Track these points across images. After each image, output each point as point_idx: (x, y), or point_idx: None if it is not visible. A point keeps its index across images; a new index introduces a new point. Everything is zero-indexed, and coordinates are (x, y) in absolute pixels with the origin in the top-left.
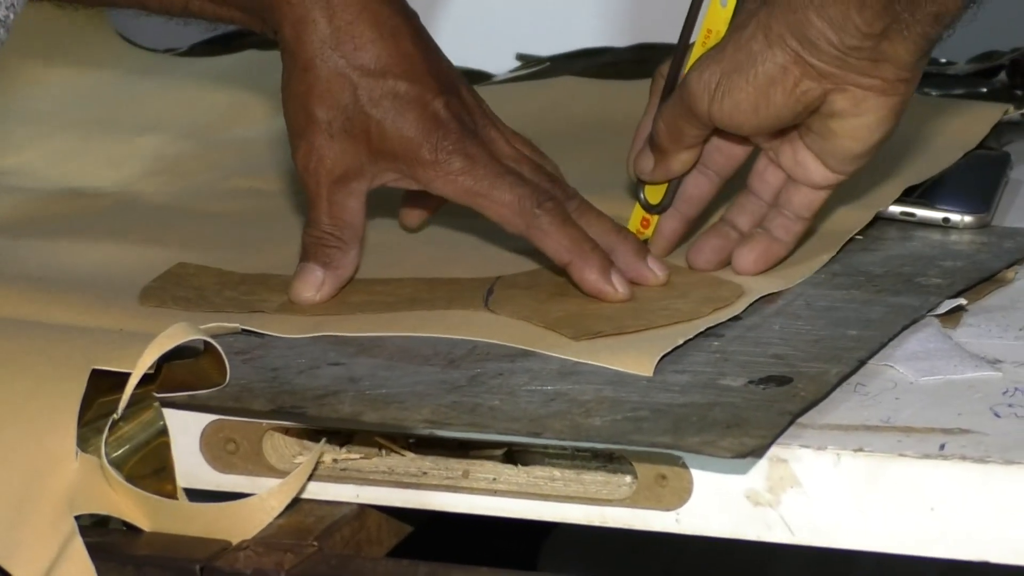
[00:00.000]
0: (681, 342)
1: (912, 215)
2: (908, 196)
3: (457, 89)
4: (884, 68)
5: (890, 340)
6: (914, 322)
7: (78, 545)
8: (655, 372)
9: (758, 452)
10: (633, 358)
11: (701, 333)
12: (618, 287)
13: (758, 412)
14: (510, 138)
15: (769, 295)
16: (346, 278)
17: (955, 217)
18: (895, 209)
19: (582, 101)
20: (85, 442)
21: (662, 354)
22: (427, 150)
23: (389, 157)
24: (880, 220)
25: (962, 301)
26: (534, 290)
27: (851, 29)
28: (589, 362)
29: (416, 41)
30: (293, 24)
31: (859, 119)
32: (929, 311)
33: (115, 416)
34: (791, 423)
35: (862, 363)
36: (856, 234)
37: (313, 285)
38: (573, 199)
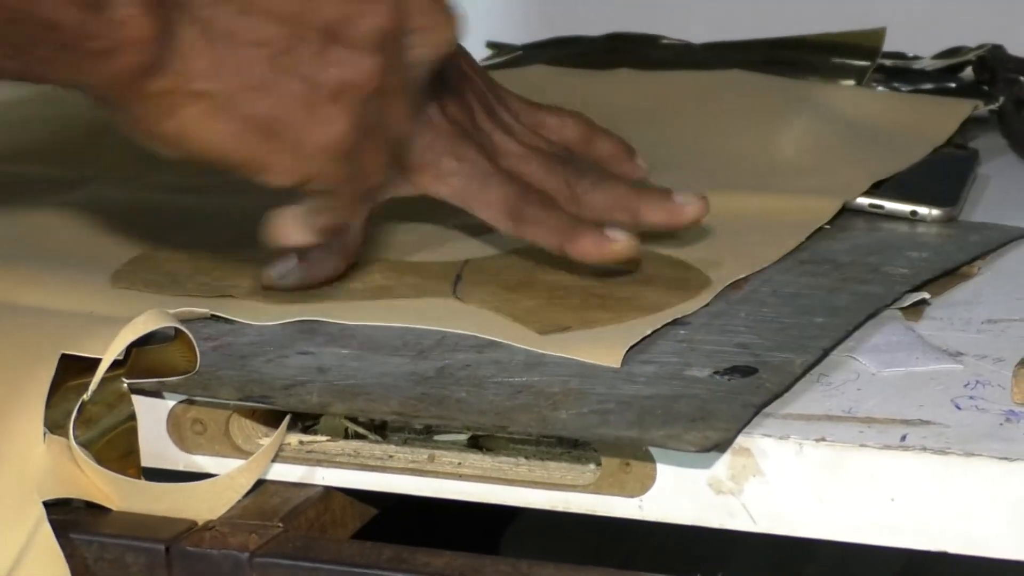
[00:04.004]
0: (649, 332)
1: (880, 207)
2: (877, 189)
3: (460, 91)
4: None
5: (855, 329)
6: (879, 311)
7: (46, 531)
8: (622, 362)
9: (722, 447)
10: (601, 350)
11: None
12: (618, 237)
13: (722, 405)
14: (524, 126)
15: (735, 281)
16: (316, 281)
17: (923, 210)
18: (863, 201)
19: (555, 90)
20: (53, 424)
21: (629, 346)
22: (418, 153)
23: (395, 166)
24: (848, 211)
25: (926, 295)
26: (503, 275)
27: None
28: (557, 354)
29: None
30: None
31: None
32: (894, 301)
33: (84, 398)
34: (755, 415)
35: (826, 352)
36: (824, 224)
37: (280, 272)
38: (585, 177)
